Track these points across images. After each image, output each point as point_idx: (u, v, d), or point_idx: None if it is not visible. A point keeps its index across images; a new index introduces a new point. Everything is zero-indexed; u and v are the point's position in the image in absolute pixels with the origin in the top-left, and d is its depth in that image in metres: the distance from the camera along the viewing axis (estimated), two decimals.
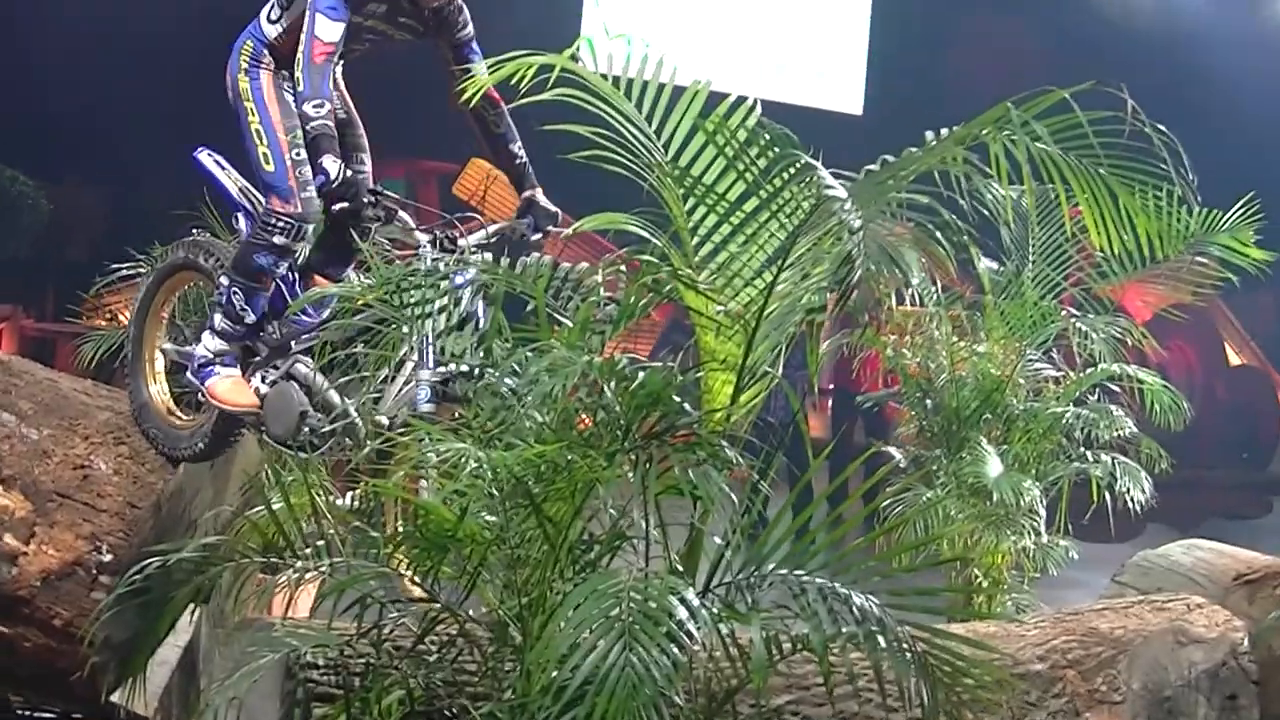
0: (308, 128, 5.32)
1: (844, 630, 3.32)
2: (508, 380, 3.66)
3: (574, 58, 3.96)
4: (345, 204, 5.34)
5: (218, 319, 5.69)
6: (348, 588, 3.69)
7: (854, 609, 3.34)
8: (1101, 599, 5.99)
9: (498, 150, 5.84)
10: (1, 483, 5.90)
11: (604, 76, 4.00)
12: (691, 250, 3.81)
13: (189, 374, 5.80)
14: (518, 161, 5.82)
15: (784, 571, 3.46)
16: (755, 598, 3.46)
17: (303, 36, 5.44)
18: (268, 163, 5.60)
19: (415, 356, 5.00)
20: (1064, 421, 6.71)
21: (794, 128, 3.68)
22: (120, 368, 6.94)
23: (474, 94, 4.21)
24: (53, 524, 5.87)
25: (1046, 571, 6.69)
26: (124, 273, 6.99)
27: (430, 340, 4.83)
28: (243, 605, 4.11)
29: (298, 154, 5.58)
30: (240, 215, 5.86)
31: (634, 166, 3.73)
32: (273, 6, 5.76)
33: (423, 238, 5.42)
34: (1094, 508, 6.69)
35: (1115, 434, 6.76)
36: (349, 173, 5.39)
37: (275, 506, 3.95)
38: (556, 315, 4.06)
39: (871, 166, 3.59)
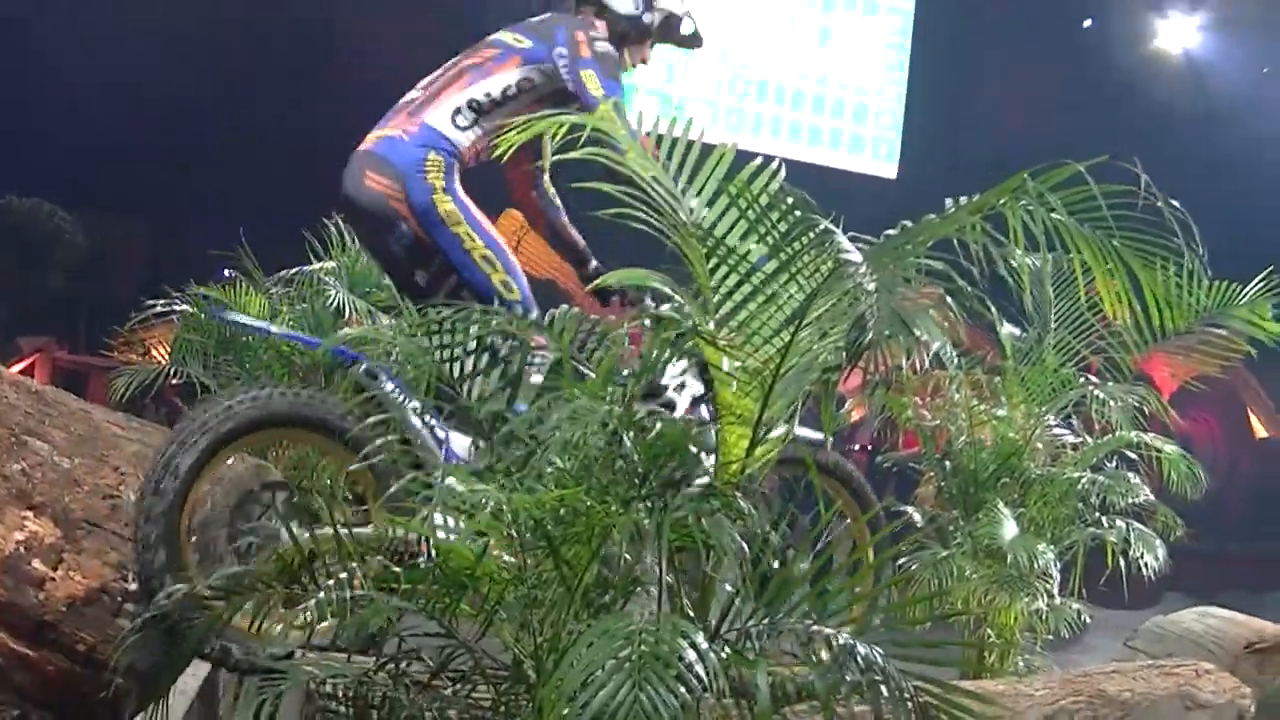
0: None
1: (848, 679, 3.39)
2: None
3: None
4: None
5: None
6: (367, 621, 3.76)
7: (859, 658, 3.40)
8: (1112, 662, 6.03)
9: (560, 232, 5.84)
10: (32, 509, 5.96)
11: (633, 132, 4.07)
12: (713, 307, 3.89)
13: None
14: (582, 245, 5.85)
15: (791, 620, 3.53)
16: (764, 645, 3.53)
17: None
18: (510, 290, 5.20)
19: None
20: (1080, 487, 6.75)
21: (829, 191, 3.76)
22: (150, 402, 7.03)
23: (506, 149, 4.14)
24: (80, 551, 5.93)
25: (1059, 634, 6.71)
26: (158, 309, 7.10)
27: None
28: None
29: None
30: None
31: (659, 225, 3.80)
32: (459, 111, 5.42)
33: None
34: (1108, 573, 6.72)
35: (1131, 501, 6.79)
36: None
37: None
38: (581, 366, 4.13)
39: (892, 231, 3.67)
